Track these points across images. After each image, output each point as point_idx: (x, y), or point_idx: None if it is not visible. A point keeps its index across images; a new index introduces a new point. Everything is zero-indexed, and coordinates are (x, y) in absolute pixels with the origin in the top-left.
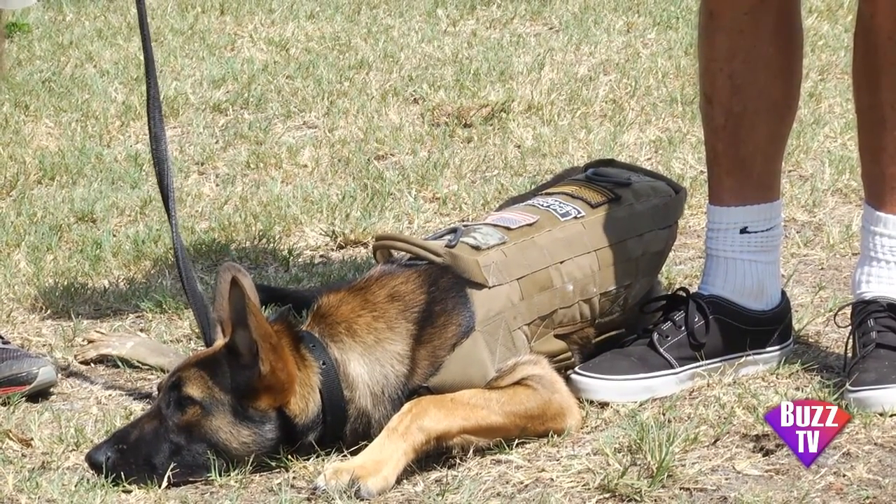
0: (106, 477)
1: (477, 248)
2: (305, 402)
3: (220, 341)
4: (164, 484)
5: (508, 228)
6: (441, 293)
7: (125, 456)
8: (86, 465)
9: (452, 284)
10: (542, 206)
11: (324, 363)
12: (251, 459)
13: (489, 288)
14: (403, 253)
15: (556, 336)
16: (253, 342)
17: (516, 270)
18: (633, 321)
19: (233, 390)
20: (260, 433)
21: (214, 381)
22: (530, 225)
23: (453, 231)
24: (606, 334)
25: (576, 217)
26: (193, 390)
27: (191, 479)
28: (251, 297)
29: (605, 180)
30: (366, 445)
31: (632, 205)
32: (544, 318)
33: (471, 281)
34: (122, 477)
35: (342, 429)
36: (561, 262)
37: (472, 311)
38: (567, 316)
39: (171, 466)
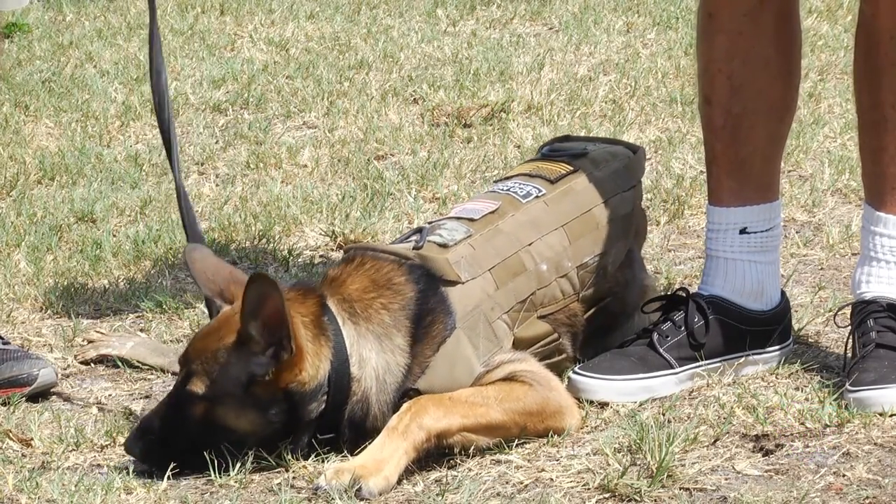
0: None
1: (444, 245)
2: (316, 370)
3: (218, 317)
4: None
5: (472, 220)
6: (423, 292)
7: (154, 445)
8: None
9: (429, 284)
10: (503, 190)
11: (336, 335)
12: (258, 446)
13: (463, 283)
14: None
15: (541, 318)
16: (282, 333)
17: (486, 261)
18: (620, 290)
19: (241, 378)
20: (266, 415)
21: (220, 373)
22: (493, 212)
23: (419, 231)
24: (595, 307)
25: (537, 196)
26: (198, 386)
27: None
28: (280, 292)
29: (562, 154)
30: (360, 443)
31: (591, 173)
32: (523, 302)
33: (444, 279)
34: (156, 466)
35: (343, 407)
36: (530, 244)
37: (451, 309)
38: (547, 296)
39: (193, 454)
